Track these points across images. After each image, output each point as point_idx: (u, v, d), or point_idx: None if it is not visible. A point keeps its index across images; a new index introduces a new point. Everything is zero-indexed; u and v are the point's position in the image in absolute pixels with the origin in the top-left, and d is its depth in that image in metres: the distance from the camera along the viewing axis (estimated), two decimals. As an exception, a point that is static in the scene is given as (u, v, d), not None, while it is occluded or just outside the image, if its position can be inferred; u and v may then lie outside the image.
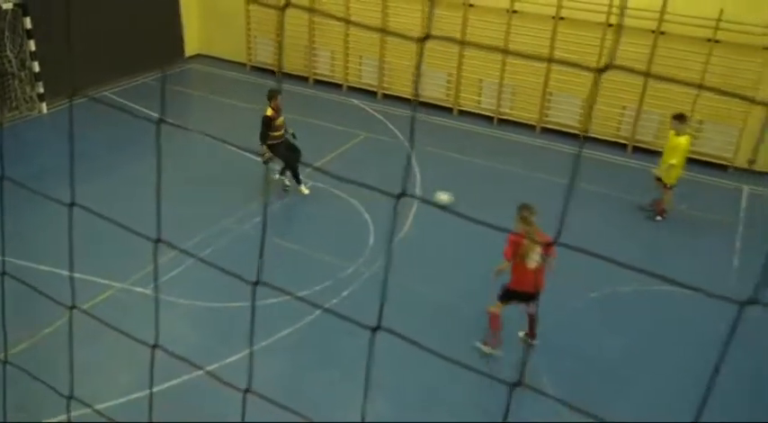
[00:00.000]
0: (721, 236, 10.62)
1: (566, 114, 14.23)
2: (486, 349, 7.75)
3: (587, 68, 2.18)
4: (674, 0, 12.37)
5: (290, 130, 11.00)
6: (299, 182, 11.03)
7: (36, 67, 13.43)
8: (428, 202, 10.44)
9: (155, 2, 15.95)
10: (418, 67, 15.59)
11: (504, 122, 14.62)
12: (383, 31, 16.36)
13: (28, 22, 13.08)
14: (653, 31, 12.70)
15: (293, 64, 16.66)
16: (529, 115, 14.47)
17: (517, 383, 1.72)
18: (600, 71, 1.57)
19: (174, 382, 7.04)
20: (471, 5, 14.14)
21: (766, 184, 12.59)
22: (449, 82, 15.12)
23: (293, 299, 8.16)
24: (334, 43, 16.03)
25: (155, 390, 6.93)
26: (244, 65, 17.23)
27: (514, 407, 6.69)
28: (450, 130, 14.30)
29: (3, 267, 2.36)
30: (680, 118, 10.42)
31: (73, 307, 2.36)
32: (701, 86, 14.43)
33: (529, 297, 7.42)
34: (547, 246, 7.03)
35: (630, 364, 7.87)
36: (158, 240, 2.11)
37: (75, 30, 13.06)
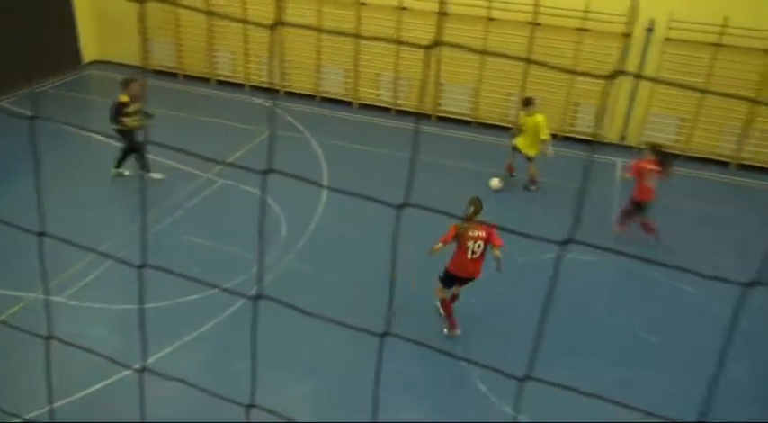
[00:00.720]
0: (599, 204, 11.25)
1: (457, 103, 14.61)
2: (450, 333, 7.87)
3: (473, 51, 2.29)
4: (546, -7, 12.92)
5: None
6: (148, 169, 10.86)
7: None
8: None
9: (48, 9, 15.06)
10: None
11: (402, 113, 14.84)
12: (283, 24, 16.11)
13: None
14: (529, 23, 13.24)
15: (194, 66, 16.22)
16: (425, 105, 14.76)
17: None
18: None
19: (94, 387, 6.80)
20: (363, 4, 14.22)
21: (637, 157, 13.43)
22: (347, 77, 15.18)
23: (212, 294, 8.03)
24: (234, 44, 15.72)
25: (76, 396, 6.69)
26: (144, 69, 16.60)
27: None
28: (352, 123, 14.39)
29: None
30: (528, 101, 11.30)
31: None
32: (573, 72, 15.20)
33: (467, 281, 7.69)
34: (488, 235, 7.36)
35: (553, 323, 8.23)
36: (42, 234, 2.05)
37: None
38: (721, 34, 12.25)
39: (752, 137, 13.02)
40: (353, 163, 12.26)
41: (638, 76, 13.80)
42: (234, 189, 10.93)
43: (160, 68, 16.50)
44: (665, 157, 9.79)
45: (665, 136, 13.54)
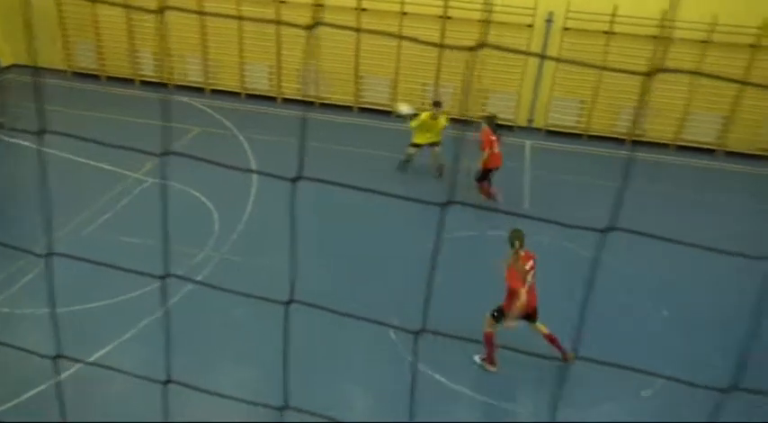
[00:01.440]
0: (513, 183, 11.63)
1: (379, 94, 14.69)
2: (488, 367, 7.28)
3: (393, 35, 2.36)
4: (454, -12, 13.13)
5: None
6: None
7: None
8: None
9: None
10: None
11: (325, 106, 14.81)
12: (202, 12, 15.71)
13: None
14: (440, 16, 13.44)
15: (117, 67, 15.61)
16: (346, 98, 14.77)
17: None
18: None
19: (33, 392, 6.57)
20: (283, 2, 14.06)
21: (544, 138, 13.93)
22: (270, 73, 15.00)
23: (142, 294, 7.82)
24: (156, 44, 15.22)
25: (15, 401, 6.45)
26: (64, 71, 15.84)
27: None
28: (277, 118, 14.25)
29: None
30: (437, 104, 11.37)
31: None
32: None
33: (527, 318, 6.99)
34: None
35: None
36: None
37: None
38: (612, 23, 12.81)
39: (644, 115, 13.72)
40: (279, 155, 12.13)
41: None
42: (164, 187, 10.66)
43: (81, 71, 15.81)
44: (498, 127, 10.55)
45: (568, 117, 14.10)
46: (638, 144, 13.85)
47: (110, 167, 11.00)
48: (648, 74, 1.43)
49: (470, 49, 1.62)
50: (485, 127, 10.40)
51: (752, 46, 12.56)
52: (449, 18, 13.47)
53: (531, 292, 6.81)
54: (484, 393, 6.96)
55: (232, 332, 7.58)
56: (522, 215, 1.69)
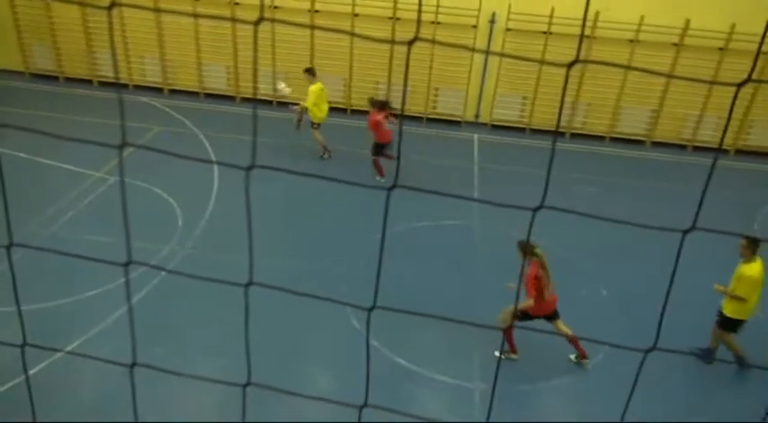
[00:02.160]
0: (462, 175, 11.77)
1: (333, 92, 14.60)
2: (508, 355, 7.24)
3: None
4: (403, -9, 13.13)
5: None
6: None
7: None
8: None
9: None
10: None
11: (283, 104, 14.64)
12: (165, 9, 15.25)
13: None
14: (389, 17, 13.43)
15: (75, 68, 15.06)
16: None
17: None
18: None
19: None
20: (237, 3, 13.80)
21: (490, 133, 14.12)
22: (228, 73, 14.73)
23: (108, 290, 7.58)
24: (114, 44, 14.73)
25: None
26: (22, 73, 15.18)
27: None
28: (235, 116, 14.01)
29: None
30: (310, 71, 11.60)
31: None
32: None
33: (548, 317, 6.92)
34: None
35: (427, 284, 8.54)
36: None
37: None
38: (549, 23, 13.06)
39: (580, 110, 14.07)
40: (239, 152, 11.96)
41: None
42: (126, 186, 10.36)
43: (39, 72, 15.18)
44: (384, 105, 11.10)
45: (512, 112, 14.33)
46: (575, 136, 14.18)
47: (72, 167, 10.63)
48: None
49: (409, 42, 1.62)
50: (371, 109, 10.98)
51: (674, 44, 13.00)
52: (398, 19, 13.48)
53: (552, 298, 6.83)
54: (442, 373, 7.05)
55: (198, 322, 7.45)
56: (483, 201, 1.72)
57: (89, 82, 15.00)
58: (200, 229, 9.46)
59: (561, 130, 14.23)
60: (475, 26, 13.38)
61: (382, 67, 14.03)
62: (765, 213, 11.16)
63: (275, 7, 13.66)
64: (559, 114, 2.23)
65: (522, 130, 14.29)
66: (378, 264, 1.83)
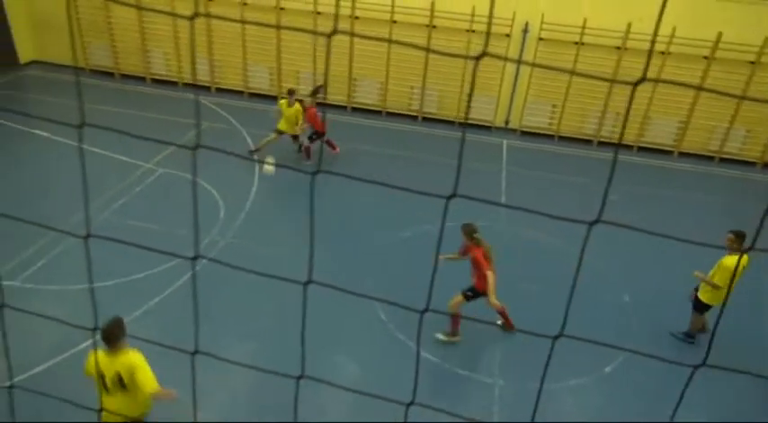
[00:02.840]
0: (490, 178, 11.65)
1: (370, 95, 14.61)
2: (448, 338, 7.32)
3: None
4: None
5: None
6: None
7: None
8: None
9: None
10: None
11: (321, 105, 14.70)
12: (201, 14, 15.50)
13: None
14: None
15: (130, 65, 15.39)
16: (340, 98, 14.67)
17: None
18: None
19: (44, 365, 6.50)
20: (283, 9, 13.90)
21: (519, 139, 13.95)
22: (271, 74, 14.86)
23: (154, 273, 7.73)
24: (167, 44, 15.02)
25: (34, 371, 6.39)
26: (82, 69, 15.59)
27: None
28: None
29: None
30: (291, 92, 11.42)
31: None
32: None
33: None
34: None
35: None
36: None
37: None
38: (581, 34, 12.82)
39: (608, 119, 13.79)
40: (280, 149, 12.07)
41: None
42: (173, 177, 10.55)
43: (97, 68, 15.57)
44: (317, 90, 11.68)
45: (541, 119, 14.12)
46: (604, 145, 13.91)
47: (124, 158, 10.86)
48: (635, 84, 1.42)
49: (476, 58, 1.59)
50: (306, 104, 11.32)
51: (705, 58, 12.64)
52: (434, 27, 13.41)
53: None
54: (464, 368, 7.00)
55: (234, 308, 7.54)
56: (521, 208, 1.68)
57: (142, 79, 15.32)
58: (240, 221, 9.57)
59: (589, 138, 13.97)
60: (508, 35, 13.22)
61: (417, 72, 13.97)
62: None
63: (318, 13, 13.71)
64: (623, 128, 2.18)
65: (550, 137, 14.08)
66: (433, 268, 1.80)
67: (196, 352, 1.86)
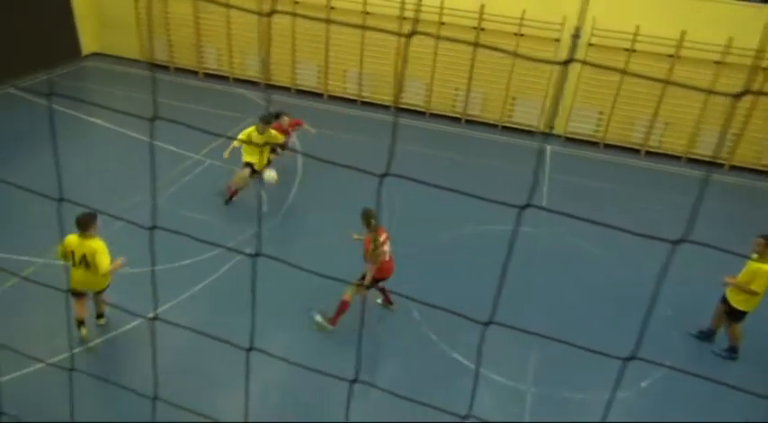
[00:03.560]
0: (529, 182, 11.44)
1: (415, 95, 14.58)
2: (324, 323, 7.26)
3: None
4: None
5: None
6: None
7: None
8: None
9: (46, 3, 14.35)
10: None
11: (366, 104, 14.77)
12: (276, 12, 15.78)
13: None
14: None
15: (183, 59, 15.78)
16: (383, 97, 14.68)
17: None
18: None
19: (103, 338, 6.72)
20: (333, 8, 14.00)
21: (562, 144, 13.67)
22: (319, 71, 14.99)
23: (201, 259, 7.89)
24: (220, 40, 15.33)
25: (87, 346, 6.60)
26: (139, 61, 16.07)
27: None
28: (322, 113, 14.25)
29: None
30: (269, 120, 9.89)
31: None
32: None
33: (384, 280, 7.15)
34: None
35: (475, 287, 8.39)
36: (61, 199, 2.01)
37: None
38: (633, 41, 12.46)
39: (657, 128, 13.37)
40: (324, 146, 12.16)
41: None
42: (220, 168, 10.75)
43: (154, 61, 16.03)
44: (277, 116, 10.44)
45: (587, 126, 13.80)
46: (650, 155, 13.50)
47: (174, 148, 11.13)
48: (737, 96, 1.35)
49: (564, 62, 1.55)
50: (283, 120, 10.47)
51: (764, 69, 12.11)
52: (482, 29, 13.26)
53: (390, 261, 7.03)
54: (497, 373, 6.90)
55: (271, 298, 7.63)
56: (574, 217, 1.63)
57: (195, 73, 15.68)
58: (281, 215, 9.69)
59: (637, 147, 13.59)
60: (557, 40, 12.96)
61: (462, 74, 13.85)
62: None
63: (367, 13, 13.75)
64: (723, 141, 2.09)
65: (595, 144, 13.75)
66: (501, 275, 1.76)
67: (251, 349, 1.88)
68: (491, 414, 6.34)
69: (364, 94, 14.75)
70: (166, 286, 7.60)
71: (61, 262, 6.45)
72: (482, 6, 13.03)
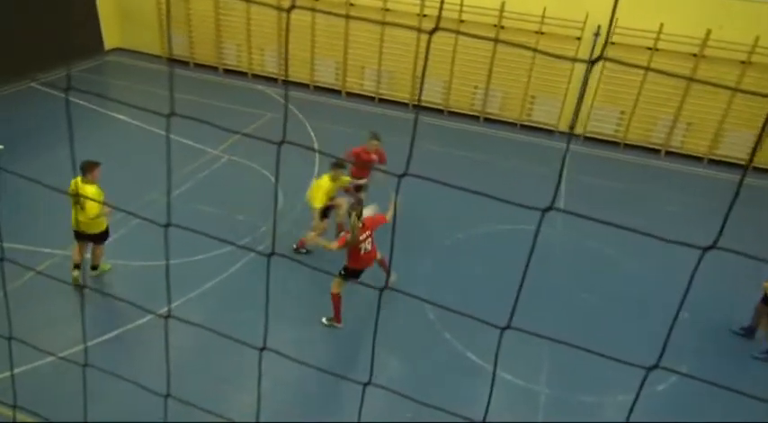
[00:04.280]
0: (550, 184, 11.33)
1: (433, 93, 14.50)
2: (336, 325, 7.30)
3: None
4: None
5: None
6: None
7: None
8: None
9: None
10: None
11: (384, 101, 14.73)
12: (295, 7, 15.78)
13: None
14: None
15: (203, 55, 15.89)
16: (401, 94, 14.64)
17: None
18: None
19: (115, 332, 6.79)
20: (352, 5, 13.97)
21: (582, 144, 13.50)
22: (337, 68, 14.98)
23: (215, 255, 7.92)
24: (239, 36, 15.40)
25: (100, 339, 6.68)
26: (160, 57, 16.22)
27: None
28: (340, 109, 14.25)
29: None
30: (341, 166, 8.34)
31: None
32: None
33: (362, 273, 7.21)
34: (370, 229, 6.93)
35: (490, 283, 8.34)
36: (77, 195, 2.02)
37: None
38: (656, 39, 12.25)
39: (679, 128, 13.13)
40: (341, 142, 12.15)
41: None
42: (238, 164, 10.81)
43: (174, 57, 16.16)
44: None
45: (608, 125, 13.61)
46: (671, 155, 13.27)
47: (192, 143, 11.21)
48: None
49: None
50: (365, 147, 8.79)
51: (792, 69, 11.82)
52: (502, 27, 13.13)
53: (369, 253, 7.04)
54: (510, 373, 6.83)
55: (284, 296, 7.65)
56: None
57: (215, 69, 15.78)
58: (298, 210, 9.70)
59: (657, 147, 13.36)
60: (579, 38, 12.79)
61: (481, 72, 13.74)
62: None
63: (387, 10, 13.70)
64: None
65: (615, 144, 13.56)
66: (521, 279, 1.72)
67: (264, 348, 1.86)
68: (503, 414, 6.28)
69: (382, 91, 14.72)
70: (179, 282, 7.66)
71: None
72: (503, 4, 12.91)
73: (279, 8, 1.90)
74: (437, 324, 7.46)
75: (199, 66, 15.91)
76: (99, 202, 6.69)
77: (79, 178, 6.85)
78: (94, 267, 7.62)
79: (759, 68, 11.92)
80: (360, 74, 14.86)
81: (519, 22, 12.95)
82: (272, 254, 1.84)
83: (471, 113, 14.27)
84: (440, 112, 14.33)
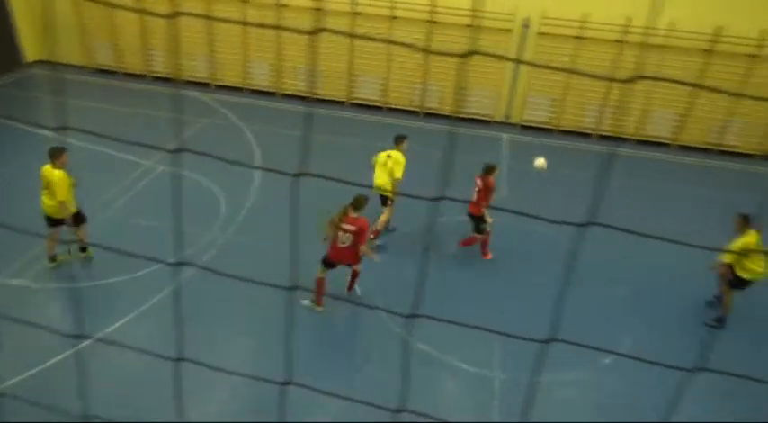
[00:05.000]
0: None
1: (371, 91, 14.54)
2: (313, 306, 7.51)
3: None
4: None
5: None
6: None
7: None
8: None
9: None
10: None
11: (321, 101, 14.66)
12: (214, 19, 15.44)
13: None
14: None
15: (131, 64, 15.35)
16: (339, 94, 14.60)
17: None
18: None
19: (53, 360, 6.48)
20: (284, 6, 13.82)
21: (519, 133, 13.88)
22: (271, 70, 14.80)
23: (153, 270, 7.64)
24: (167, 43, 14.96)
25: (39, 368, 6.37)
26: (86, 68, 15.55)
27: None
28: (276, 111, 14.08)
29: None
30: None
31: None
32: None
33: (346, 265, 7.40)
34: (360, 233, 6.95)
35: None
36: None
37: None
38: (582, 28, 12.72)
39: (608, 113, 13.70)
40: (279, 145, 12.02)
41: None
42: (174, 174, 10.50)
43: (100, 67, 15.54)
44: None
45: (541, 113, 14.04)
46: (604, 138, 13.84)
47: (124, 156, 10.83)
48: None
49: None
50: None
51: (705, 51, 12.54)
52: (435, 23, 13.32)
53: (343, 251, 7.10)
54: (463, 361, 6.96)
55: (234, 308, 7.51)
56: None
57: (143, 77, 15.27)
58: (241, 217, 9.53)
59: (588, 132, 13.89)
60: (509, 30, 13.13)
61: (418, 68, 13.89)
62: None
63: (318, 9, 13.64)
64: None
65: (550, 131, 14.01)
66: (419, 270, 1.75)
67: (180, 359, 1.81)
68: (462, 402, 6.39)
69: (318, 91, 14.64)
70: (122, 299, 7.39)
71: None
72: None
73: (164, 15, 1.86)
74: (382, 314, 7.51)
75: (126, 75, 15.36)
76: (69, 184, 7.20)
77: (48, 165, 7.23)
78: (83, 250, 7.90)
79: (676, 52, 12.57)
80: (293, 74, 14.73)
81: (451, 17, 13.16)
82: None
83: (411, 109, 14.41)
84: (378, 108, 14.40)
